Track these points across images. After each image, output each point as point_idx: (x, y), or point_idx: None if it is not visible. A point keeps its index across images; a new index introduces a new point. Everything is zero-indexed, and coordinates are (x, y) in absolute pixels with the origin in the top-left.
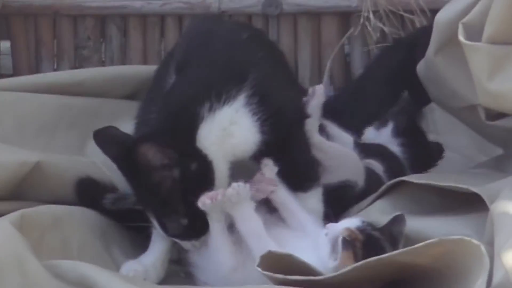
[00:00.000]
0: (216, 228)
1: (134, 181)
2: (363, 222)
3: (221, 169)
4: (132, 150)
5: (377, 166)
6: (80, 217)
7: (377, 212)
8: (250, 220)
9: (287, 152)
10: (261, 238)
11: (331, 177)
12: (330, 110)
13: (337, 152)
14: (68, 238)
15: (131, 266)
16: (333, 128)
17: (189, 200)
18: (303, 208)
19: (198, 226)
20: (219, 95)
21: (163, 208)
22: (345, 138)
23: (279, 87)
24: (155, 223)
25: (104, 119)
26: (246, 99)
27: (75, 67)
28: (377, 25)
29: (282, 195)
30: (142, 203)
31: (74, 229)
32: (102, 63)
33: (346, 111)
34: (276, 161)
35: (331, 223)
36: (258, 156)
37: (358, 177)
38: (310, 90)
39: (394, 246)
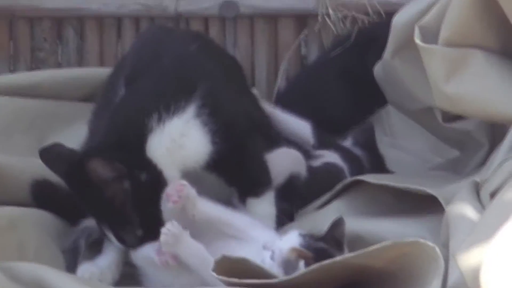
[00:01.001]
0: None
1: (85, 196)
2: (303, 236)
3: (172, 178)
4: (80, 166)
5: (335, 157)
6: (36, 219)
7: (334, 213)
8: (191, 249)
9: (238, 159)
10: (206, 260)
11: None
12: (284, 101)
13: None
14: (24, 240)
15: (87, 268)
16: (287, 116)
17: (142, 211)
18: (240, 214)
19: (153, 234)
20: (168, 106)
21: (117, 221)
22: (302, 125)
23: (229, 97)
24: (111, 237)
25: (60, 121)
26: (196, 110)
27: (31, 69)
28: (334, 26)
29: (207, 214)
30: (95, 218)
31: (30, 231)
32: (59, 65)
33: (299, 104)
34: (228, 168)
35: (269, 241)
36: (210, 165)
37: (299, 168)
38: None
39: (340, 250)
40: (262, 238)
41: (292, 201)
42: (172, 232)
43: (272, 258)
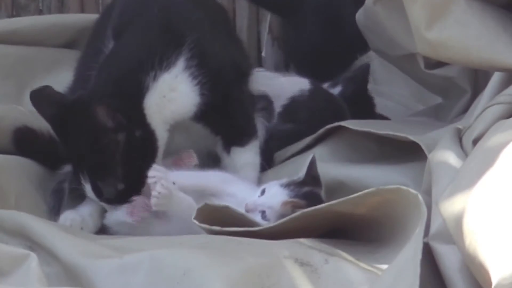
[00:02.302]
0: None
1: (74, 141)
2: (286, 186)
3: (162, 137)
4: (81, 110)
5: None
6: (17, 166)
7: (317, 161)
8: (181, 204)
9: (225, 109)
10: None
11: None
12: None
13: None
14: (5, 187)
15: (68, 215)
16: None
17: (129, 165)
18: (215, 172)
19: (132, 192)
20: (161, 62)
21: (101, 171)
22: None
23: (217, 47)
24: (87, 187)
25: (40, 68)
26: (185, 63)
27: (12, 15)
28: None
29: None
30: (77, 165)
31: (11, 178)
32: (40, 12)
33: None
34: (215, 118)
35: (255, 201)
36: (198, 115)
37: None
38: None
39: (320, 186)
40: (240, 193)
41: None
42: (163, 193)
43: (264, 218)
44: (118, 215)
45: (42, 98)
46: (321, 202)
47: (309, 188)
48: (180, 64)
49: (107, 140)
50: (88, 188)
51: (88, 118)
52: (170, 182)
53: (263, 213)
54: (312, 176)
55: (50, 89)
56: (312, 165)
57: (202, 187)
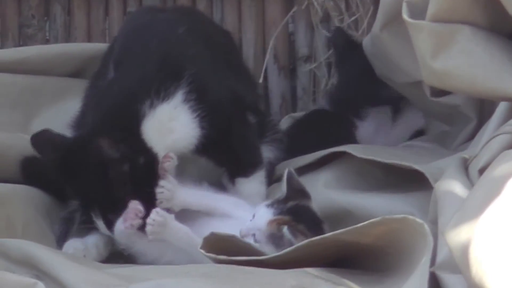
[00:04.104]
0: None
1: (80, 179)
2: (271, 205)
3: None
4: (81, 147)
5: None
6: (25, 195)
7: (322, 187)
8: (178, 234)
9: (227, 142)
10: (193, 241)
11: None
12: None
13: None
14: (13, 216)
15: (71, 244)
16: None
17: (137, 193)
18: (222, 196)
19: (145, 217)
20: (158, 92)
21: (111, 204)
22: None
23: (217, 82)
24: (99, 223)
25: (47, 97)
26: (183, 95)
27: (19, 45)
28: (322, 4)
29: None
30: (87, 203)
31: (19, 208)
32: (47, 42)
33: None
34: (217, 151)
35: (247, 225)
36: (199, 148)
37: None
38: None
39: (307, 197)
40: (246, 217)
41: None
42: (157, 221)
43: (256, 241)
44: (119, 225)
45: (42, 142)
46: (309, 213)
47: (293, 202)
48: (179, 96)
49: (114, 172)
50: (101, 224)
51: (92, 153)
52: (166, 212)
53: (253, 236)
54: (294, 190)
55: (49, 132)
56: (291, 179)
57: (212, 208)
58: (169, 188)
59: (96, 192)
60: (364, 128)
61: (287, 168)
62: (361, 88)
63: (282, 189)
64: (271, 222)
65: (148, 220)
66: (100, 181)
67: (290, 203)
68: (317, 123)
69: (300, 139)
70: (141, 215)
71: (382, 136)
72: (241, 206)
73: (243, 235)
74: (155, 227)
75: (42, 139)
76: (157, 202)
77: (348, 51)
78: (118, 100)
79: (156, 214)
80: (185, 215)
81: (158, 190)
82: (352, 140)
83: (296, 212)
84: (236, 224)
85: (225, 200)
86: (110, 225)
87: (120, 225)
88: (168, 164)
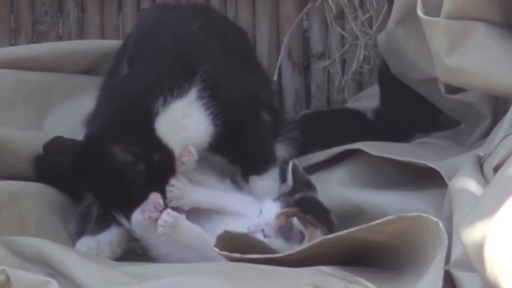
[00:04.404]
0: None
1: (98, 184)
2: (277, 199)
3: None
4: (98, 150)
5: None
6: (38, 193)
7: (337, 184)
8: (189, 233)
9: (240, 141)
10: (206, 240)
11: None
12: None
13: None
14: (26, 214)
15: (84, 242)
16: None
17: (154, 190)
18: (232, 194)
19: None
20: (172, 89)
21: (130, 203)
22: None
23: (231, 79)
24: (123, 221)
25: (60, 94)
26: (197, 93)
27: (32, 42)
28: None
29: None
30: (106, 204)
31: (32, 205)
32: (60, 39)
33: None
34: (231, 149)
35: (255, 221)
36: (213, 146)
37: None
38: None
39: (313, 188)
40: (256, 214)
41: None
42: (168, 222)
43: (265, 236)
44: (136, 215)
45: (54, 149)
46: (317, 203)
47: (300, 194)
48: (193, 93)
49: (130, 175)
50: (125, 222)
51: (106, 158)
52: (177, 212)
53: (262, 232)
54: (300, 182)
55: (61, 138)
56: (295, 172)
57: (222, 207)
58: (179, 187)
59: (114, 193)
60: None
61: (291, 160)
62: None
63: (287, 181)
64: (279, 215)
65: (159, 222)
66: (117, 183)
67: (297, 195)
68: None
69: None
70: (160, 208)
71: None
72: (251, 204)
73: (252, 232)
74: (166, 229)
75: (54, 146)
76: (167, 200)
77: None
78: (131, 98)
79: (167, 215)
80: (196, 213)
81: (168, 188)
82: None
83: (303, 203)
84: (247, 222)
85: (235, 198)
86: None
87: (137, 215)
88: (187, 159)
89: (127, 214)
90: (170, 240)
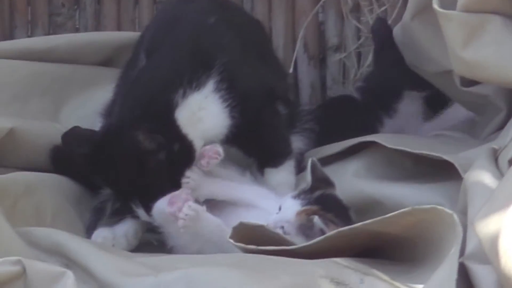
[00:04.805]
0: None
1: (117, 173)
2: (297, 196)
3: (198, 148)
4: (119, 137)
5: None
6: (54, 184)
7: (352, 177)
8: (210, 226)
9: (257, 133)
10: (226, 233)
11: None
12: None
13: None
14: (42, 205)
15: (100, 233)
16: None
17: (175, 179)
18: (248, 186)
19: None
20: (190, 81)
21: (150, 192)
22: None
23: (249, 72)
24: (140, 212)
25: (77, 86)
26: (214, 85)
27: (49, 33)
28: None
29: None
30: (124, 193)
31: (48, 196)
32: (76, 30)
33: None
34: (247, 141)
35: (274, 218)
36: (229, 138)
37: None
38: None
39: (332, 185)
40: (272, 207)
41: None
42: (190, 215)
43: (285, 233)
44: (161, 205)
45: (73, 139)
46: (336, 201)
47: (320, 191)
48: (210, 85)
49: (151, 163)
50: (141, 212)
51: (127, 146)
52: (198, 204)
53: (282, 228)
54: (319, 179)
55: (79, 129)
56: (314, 169)
57: (237, 199)
58: (195, 179)
59: (133, 183)
60: (390, 126)
61: (310, 158)
62: (396, 79)
63: (306, 179)
64: (300, 213)
65: (180, 214)
66: (136, 172)
67: (317, 193)
68: (342, 109)
69: (324, 124)
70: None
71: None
72: (266, 196)
73: (271, 228)
74: (187, 222)
75: (72, 136)
76: (180, 226)
77: (388, 42)
78: (151, 89)
79: (188, 208)
80: (211, 204)
81: (184, 180)
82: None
83: (324, 201)
84: (262, 214)
85: (250, 190)
86: (150, 211)
87: (161, 204)
88: (215, 162)
89: (145, 204)
90: (190, 232)
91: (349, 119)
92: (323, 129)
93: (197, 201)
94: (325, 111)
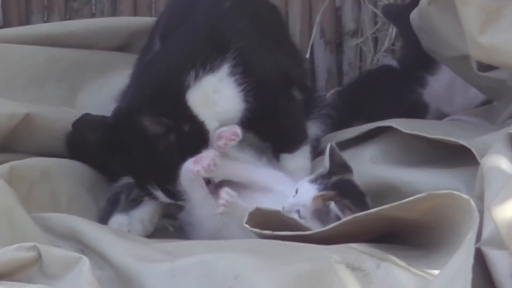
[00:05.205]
0: (199, 193)
1: (130, 158)
2: (315, 180)
3: (212, 128)
4: (128, 122)
5: None
6: (69, 169)
7: (369, 162)
8: (242, 212)
9: (272, 118)
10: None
11: None
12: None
13: None
14: (57, 190)
15: (116, 219)
16: None
17: (186, 161)
18: (264, 169)
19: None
20: (204, 64)
21: (165, 176)
22: None
23: (263, 56)
24: (159, 194)
25: (93, 71)
26: (229, 69)
27: (65, 19)
28: None
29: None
30: (141, 179)
31: (63, 182)
32: (93, 16)
33: None
34: (262, 125)
35: (290, 201)
36: (244, 122)
37: None
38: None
39: (350, 171)
40: (288, 191)
41: None
42: (230, 202)
43: (301, 217)
44: (188, 164)
45: (84, 126)
46: (353, 187)
47: (337, 177)
48: (225, 69)
49: (162, 145)
50: (160, 195)
51: (136, 131)
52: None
53: (298, 212)
54: (337, 164)
55: (89, 116)
56: (333, 154)
57: (253, 181)
58: (212, 157)
59: (147, 166)
60: (437, 83)
61: (329, 143)
62: None
63: (324, 164)
64: (316, 198)
65: (221, 201)
66: (149, 155)
67: (334, 178)
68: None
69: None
70: (213, 167)
71: (457, 92)
72: (282, 180)
73: (287, 211)
74: (227, 208)
75: (83, 124)
76: (196, 171)
77: (405, 19)
78: (161, 71)
79: (227, 195)
80: (228, 186)
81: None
82: (417, 99)
83: (341, 187)
84: (277, 198)
85: (265, 173)
86: (169, 194)
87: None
88: (232, 143)
89: (162, 187)
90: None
91: (391, 88)
92: (364, 103)
93: (212, 181)
94: (366, 83)
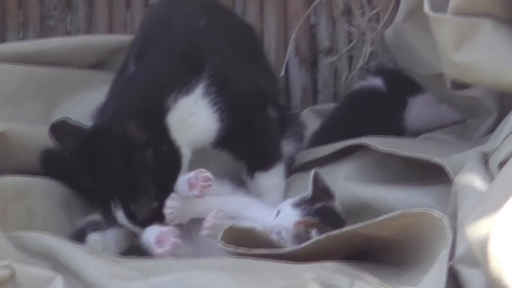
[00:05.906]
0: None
1: (101, 167)
2: (298, 205)
3: (187, 155)
4: (110, 130)
5: None
6: (45, 188)
7: (344, 179)
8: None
9: (246, 136)
10: None
11: None
12: None
13: None
14: (32, 208)
15: (91, 237)
16: None
17: (159, 182)
18: (235, 197)
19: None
20: (181, 86)
21: (134, 192)
22: None
23: (238, 74)
24: (119, 214)
25: (69, 89)
26: (204, 89)
27: (41, 37)
28: None
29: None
30: (107, 193)
31: (38, 200)
32: (68, 33)
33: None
34: (236, 144)
35: (271, 222)
36: (219, 141)
37: None
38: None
39: (332, 198)
40: (260, 216)
41: None
42: (217, 224)
43: (281, 239)
44: (149, 236)
45: (61, 131)
46: (336, 215)
47: (320, 203)
48: (200, 89)
49: (137, 158)
50: (120, 215)
51: (117, 137)
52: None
53: (279, 234)
54: (320, 190)
55: (68, 121)
56: (317, 180)
57: (225, 212)
58: (177, 207)
59: (117, 179)
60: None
61: (314, 169)
62: None
63: (307, 188)
64: (298, 223)
65: (206, 224)
66: (122, 167)
67: (318, 204)
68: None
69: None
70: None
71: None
72: (251, 205)
73: (269, 231)
74: (213, 231)
75: (61, 128)
76: (168, 221)
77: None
78: (144, 91)
79: (214, 218)
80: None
81: (167, 211)
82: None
83: (323, 214)
84: (249, 223)
85: (233, 202)
86: (131, 216)
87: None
88: (208, 189)
89: (125, 206)
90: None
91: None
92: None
93: (181, 224)
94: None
